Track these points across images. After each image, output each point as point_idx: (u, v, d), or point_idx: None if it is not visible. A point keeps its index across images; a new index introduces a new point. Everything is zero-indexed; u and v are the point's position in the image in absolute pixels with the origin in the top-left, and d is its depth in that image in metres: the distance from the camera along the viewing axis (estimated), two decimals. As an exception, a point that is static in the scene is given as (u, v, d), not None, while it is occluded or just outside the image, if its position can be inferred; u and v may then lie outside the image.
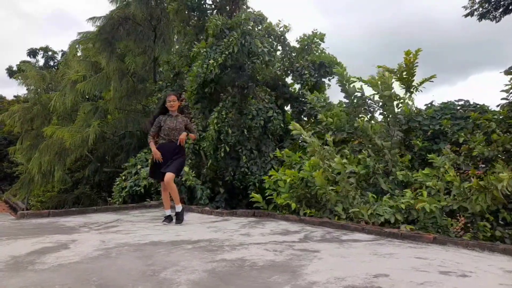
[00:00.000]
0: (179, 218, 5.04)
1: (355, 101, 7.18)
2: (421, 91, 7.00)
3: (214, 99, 8.14)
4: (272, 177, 6.12)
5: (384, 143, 6.31)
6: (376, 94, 6.80)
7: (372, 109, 7.18)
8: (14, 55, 76.64)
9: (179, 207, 5.07)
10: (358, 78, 7.01)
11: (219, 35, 7.80)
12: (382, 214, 4.97)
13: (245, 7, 9.53)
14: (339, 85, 7.20)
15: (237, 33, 7.66)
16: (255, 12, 9.54)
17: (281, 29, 9.35)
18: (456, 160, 6.11)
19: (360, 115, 7.16)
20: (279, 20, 9.55)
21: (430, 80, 6.90)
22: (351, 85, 7.09)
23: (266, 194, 6.11)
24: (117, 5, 11.99)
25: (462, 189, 5.17)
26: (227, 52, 7.54)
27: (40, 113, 14.60)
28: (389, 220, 4.96)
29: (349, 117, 7.23)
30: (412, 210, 5.03)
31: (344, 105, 7.72)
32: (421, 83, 6.92)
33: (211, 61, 7.51)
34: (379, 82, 6.60)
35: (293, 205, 5.50)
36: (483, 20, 10.47)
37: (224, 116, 7.73)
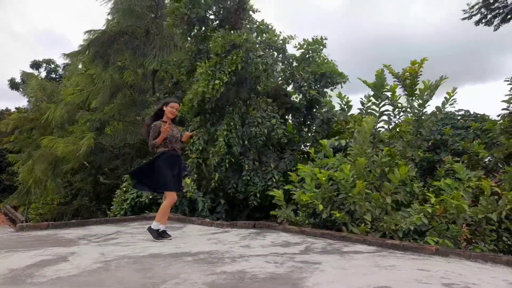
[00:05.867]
0: (151, 232, 4.72)
1: (382, 109, 6.96)
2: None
3: (215, 112, 8.13)
4: (298, 171, 5.87)
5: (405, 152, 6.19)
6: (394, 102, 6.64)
7: (394, 118, 6.98)
8: (9, 70, 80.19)
9: (156, 225, 4.70)
10: (395, 86, 6.84)
11: (223, 54, 7.78)
12: (415, 222, 4.82)
13: (249, 18, 9.49)
14: (372, 90, 6.94)
15: (242, 50, 7.61)
16: (258, 22, 9.55)
17: (281, 41, 9.37)
18: (477, 174, 5.85)
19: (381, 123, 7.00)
20: (280, 32, 9.54)
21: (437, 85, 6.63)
22: (384, 93, 6.91)
23: (286, 191, 6.00)
24: (115, 17, 12.10)
25: (491, 199, 5.07)
26: (229, 70, 7.48)
27: (39, 124, 14.63)
28: (415, 228, 4.83)
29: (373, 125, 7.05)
30: (435, 216, 4.95)
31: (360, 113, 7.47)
32: (426, 89, 6.24)
33: (217, 82, 7.39)
34: (418, 91, 6.32)
35: (320, 207, 5.28)
36: (480, 24, 10.43)
37: (232, 127, 7.70)
